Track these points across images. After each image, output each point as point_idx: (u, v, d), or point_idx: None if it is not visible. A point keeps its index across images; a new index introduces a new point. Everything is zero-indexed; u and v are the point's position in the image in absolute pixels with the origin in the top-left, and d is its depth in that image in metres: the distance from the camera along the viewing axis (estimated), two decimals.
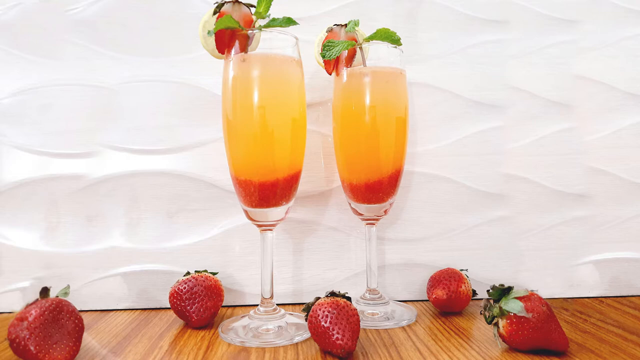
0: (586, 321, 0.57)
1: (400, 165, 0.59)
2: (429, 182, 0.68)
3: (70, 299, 0.47)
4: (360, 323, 0.48)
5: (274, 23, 0.51)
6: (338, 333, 0.45)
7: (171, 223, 0.66)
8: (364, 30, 0.61)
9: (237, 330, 0.53)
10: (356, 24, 0.58)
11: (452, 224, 0.68)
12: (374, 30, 0.57)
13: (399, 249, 0.68)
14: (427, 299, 0.67)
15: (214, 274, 0.59)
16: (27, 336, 0.42)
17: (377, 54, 0.59)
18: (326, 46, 0.56)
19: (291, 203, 0.56)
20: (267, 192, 0.52)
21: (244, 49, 0.52)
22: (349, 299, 0.49)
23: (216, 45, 0.52)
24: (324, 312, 0.46)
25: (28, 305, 0.44)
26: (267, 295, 0.55)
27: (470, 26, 0.69)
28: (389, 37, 0.56)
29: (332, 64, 0.59)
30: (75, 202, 0.65)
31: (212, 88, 0.66)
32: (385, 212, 0.61)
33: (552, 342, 0.45)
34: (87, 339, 0.53)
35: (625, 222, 0.69)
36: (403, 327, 0.55)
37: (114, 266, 0.65)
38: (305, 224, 0.67)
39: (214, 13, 0.51)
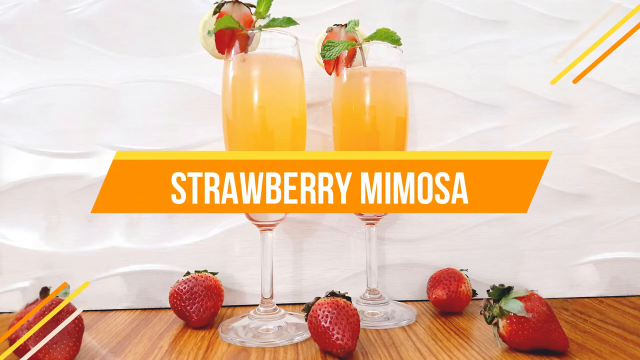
0: (586, 321, 0.57)
1: None
2: None
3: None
4: (360, 323, 0.48)
5: (274, 23, 0.51)
6: (338, 333, 0.45)
7: (171, 223, 0.66)
8: (364, 30, 0.61)
9: (237, 330, 0.53)
10: (356, 24, 0.58)
11: (452, 224, 0.68)
12: (374, 30, 0.57)
13: (399, 249, 0.68)
14: (427, 299, 0.67)
15: (214, 274, 0.59)
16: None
17: (377, 54, 0.59)
18: (326, 46, 0.56)
19: None
20: None
21: (244, 49, 0.52)
22: (349, 299, 0.49)
23: (216, 45, 0.52)
24: (324, 312, 0.46)
25: (28, 305, 0.44)
26: (267, 295, 0.55)
27: (470, 26, 0.69)
28: (389, 37, 0.56)
29: (332, 64, 0.59)
30: (75, 202, 0.65)
31: (212, 88, 0.66)
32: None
33: (552, 342, 0.45)
34: (87, 339, 0.53)
35: (625, 222, 0.69)
36: (403, 327, 0.55)
37: (113, 266, 0.65)
38: (305, 224, 0.67)
39: (214, 13, 0.51)
